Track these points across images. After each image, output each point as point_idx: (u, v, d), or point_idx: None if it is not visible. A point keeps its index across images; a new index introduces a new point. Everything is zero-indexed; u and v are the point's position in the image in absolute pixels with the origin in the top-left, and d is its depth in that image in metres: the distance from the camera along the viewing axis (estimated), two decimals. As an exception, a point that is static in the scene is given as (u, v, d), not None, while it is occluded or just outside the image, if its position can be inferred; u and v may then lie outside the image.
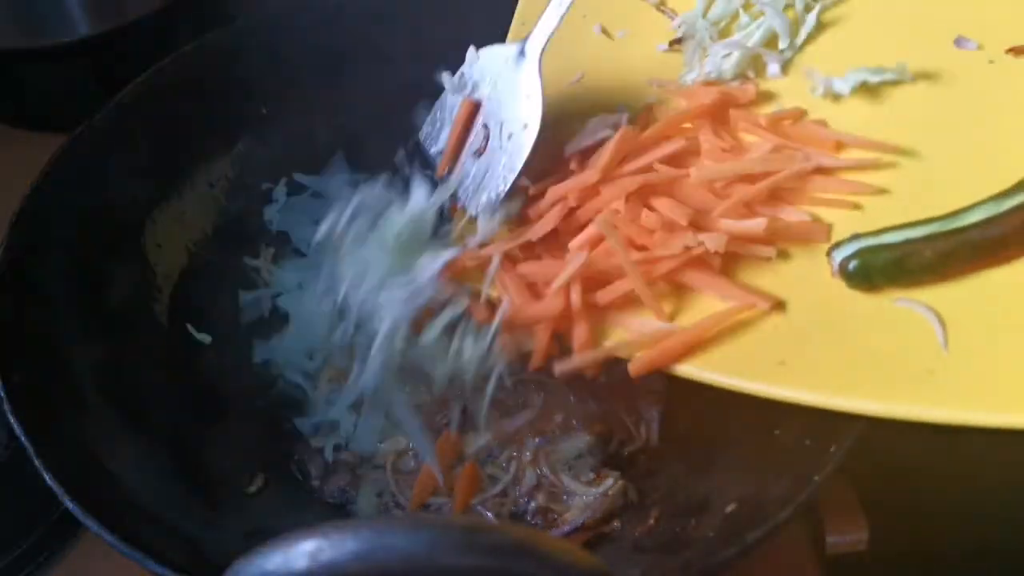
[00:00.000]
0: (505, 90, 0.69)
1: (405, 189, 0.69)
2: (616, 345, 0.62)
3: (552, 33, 0.67)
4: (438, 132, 0.73)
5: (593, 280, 0.63)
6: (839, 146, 0.66)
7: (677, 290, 0.63)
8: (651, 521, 0.65)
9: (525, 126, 0.66)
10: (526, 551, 0.33)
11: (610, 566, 0.61)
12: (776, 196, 0.65)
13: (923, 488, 0.80)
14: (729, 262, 0.63)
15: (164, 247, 0.76)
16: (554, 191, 0.67)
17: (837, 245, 0.60)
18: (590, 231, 0.64)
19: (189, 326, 0.75)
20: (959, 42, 0.68)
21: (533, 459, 0.70)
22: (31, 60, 0.92)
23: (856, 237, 0.59)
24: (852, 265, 0.59)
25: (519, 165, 0.66)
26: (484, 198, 0.68)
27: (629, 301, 0.63)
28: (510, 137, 0.67)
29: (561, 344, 0.64)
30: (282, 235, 0.83)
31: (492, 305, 0.65)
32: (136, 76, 0.76)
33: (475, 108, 0.71)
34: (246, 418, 0.73)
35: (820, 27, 0.74)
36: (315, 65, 0.84)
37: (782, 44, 0.73)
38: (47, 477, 0.55)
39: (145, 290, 0.73)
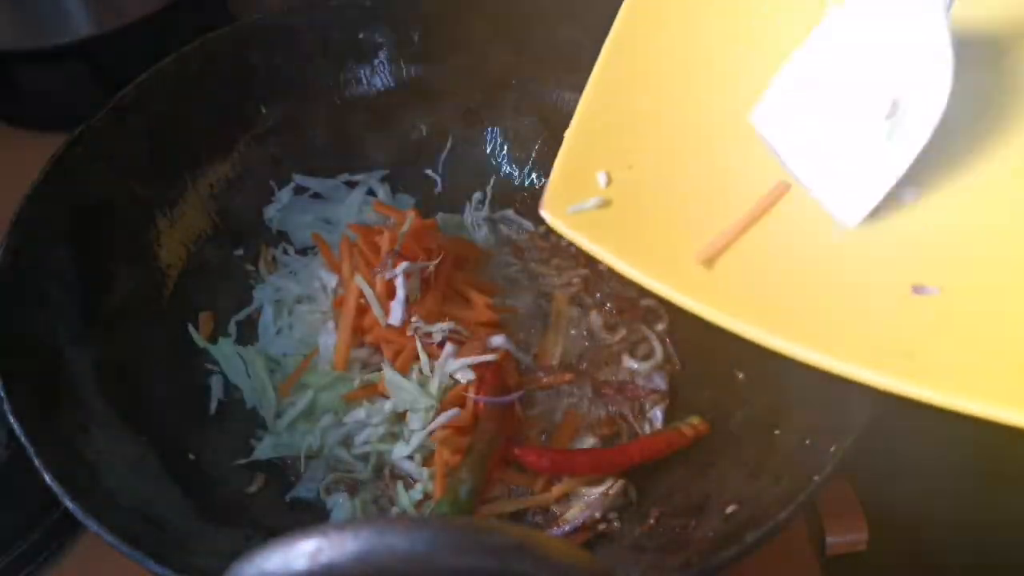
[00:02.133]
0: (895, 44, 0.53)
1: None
2: None
3: None
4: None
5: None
6: None
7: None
8: (651, 521, 0.65)
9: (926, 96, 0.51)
10: (526, 551, 0.33)
11: (610, 566, 0.61)
12: None
13: (923, 488, 0.79)
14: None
15: (164, 247, 0.76)
16: None
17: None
18: None
19: (190, 326, 0.75)
20: None
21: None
22: (31, 60, 0.92)
23: None
24: None
25: (914, 152, 0.52)
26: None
27: None
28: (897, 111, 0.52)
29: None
30: (282, 235, 0.83)
31: None
32: (136, 76, 0.76)
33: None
34: (246, 418, 0.73)
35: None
36: (315, 65, 0.84)
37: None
38: (47, 477, 0.55)
39: (145, 290, 0.73)
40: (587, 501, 0.67)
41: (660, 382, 0.75)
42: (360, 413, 0.71)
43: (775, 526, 0.55)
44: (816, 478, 0.56)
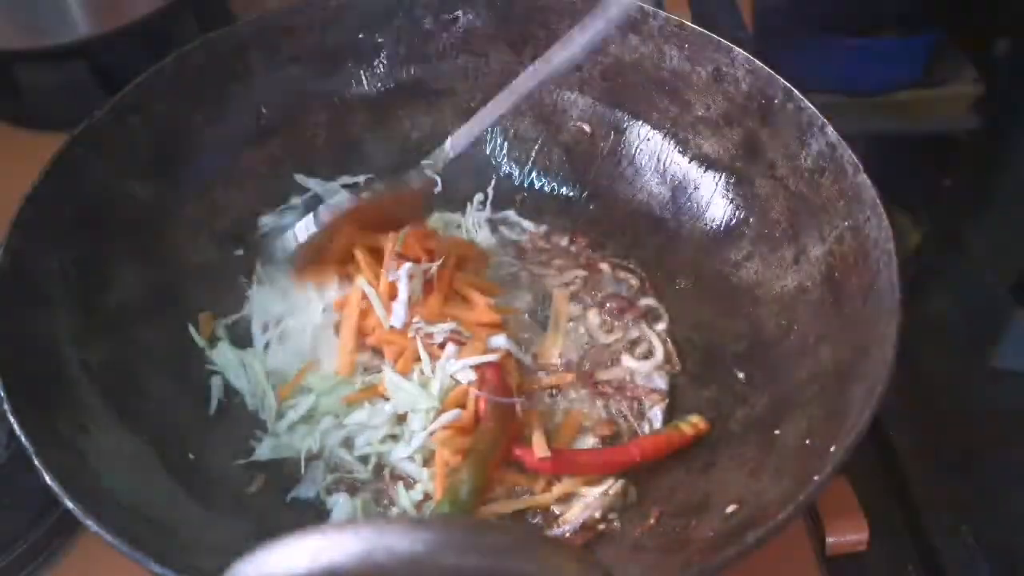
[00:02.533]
0: None
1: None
2: None
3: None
4: None
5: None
6: None
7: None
8: (651, 521, 0.65)
9: None
10: (526, 551, 0.33)
11: (610, 566, 0.61)
12: None
13: (923, 487, 0.79)
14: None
15: (163, 246, 0.76)
16: None
17: None
18: None
19: (190, 326, 0.75)
20: None
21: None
22: (31, 60, 0.92)
23: None
24: None
25: None
26: None
27: None
28: None
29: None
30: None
31: None
32: (136, 76, 0.76)
33: None
34: (246, 418, 0.73)
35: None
36: (315, 65, 0.84)
37: None
38: (47, 477, 0.55)
39: (145, 290, 0.73)
40: (587, 501, 0.67)
41: (660, 382, 0.75)
42: (361, 415, 0.71)
43: (775, 526, 0.55)
44: (816, 478, 0.56)
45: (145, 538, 0.54)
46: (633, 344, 0.77)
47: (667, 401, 0.74)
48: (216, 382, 0.74)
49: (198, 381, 0.74)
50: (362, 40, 0.84)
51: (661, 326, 0.79)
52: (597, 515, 0.67)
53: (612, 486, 0.67)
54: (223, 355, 0.75)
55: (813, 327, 0.69)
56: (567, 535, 0.66)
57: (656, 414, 0.73)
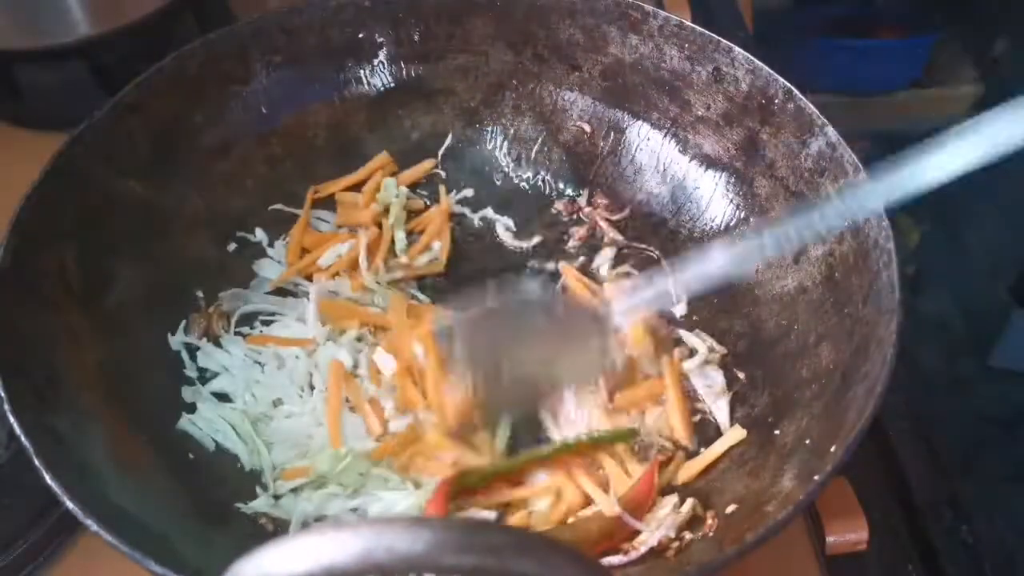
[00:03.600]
0: None
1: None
2: None
3: None
4: None
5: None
6: None
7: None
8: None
9: None
10: (526, 551, 0.33)
11: (609, 566, 0.61)
12: None
13: (923, 487, 0.80)
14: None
15: (164, 246, 0.76)
16: None
17: None
18: None
19: (188, 324, 0.75)
20: None
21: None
22: (31, 60, 0.92)
23: None
24: None
25: None
26: None
27: None
28: None
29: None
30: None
31: None
32: (136, 76, 0.76)
33: None
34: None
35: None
36: (315, 65, 0.84)
37: None
38: (47, 477, 0.55)
39: (145, 290, 0.73)
40: (658, 520, 0.63)
41: (717, 377, 0.73)
42: (378, 482, 0.67)
43: (775, 526, 0.55)
44: (816, 478, 0.56)
45: (145, 538, 0.54)
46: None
47: (730, 393, 0.72)
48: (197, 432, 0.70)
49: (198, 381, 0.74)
50: (362, 40, 0.84)
51: (680, 310, 0.77)
52: (672, 534, 0.63)
53: (679, 504, 0.64)
54: (205, 417, 0.70)
55: (813, 327, 0.69)
56: (642, 557, 0.62)
57: (722, 406, 0.71)
